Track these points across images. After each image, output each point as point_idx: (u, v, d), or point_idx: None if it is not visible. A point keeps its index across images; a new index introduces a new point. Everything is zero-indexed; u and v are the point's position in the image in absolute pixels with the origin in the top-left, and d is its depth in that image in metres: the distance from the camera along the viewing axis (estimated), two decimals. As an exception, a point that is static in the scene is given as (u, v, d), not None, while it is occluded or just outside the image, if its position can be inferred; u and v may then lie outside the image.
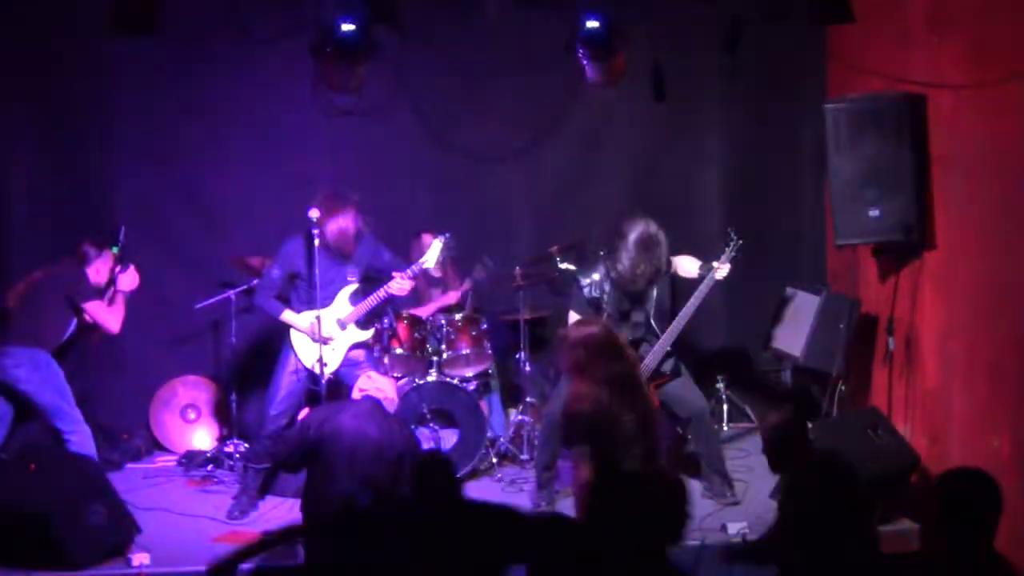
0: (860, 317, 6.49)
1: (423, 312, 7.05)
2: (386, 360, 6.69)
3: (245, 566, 4.94)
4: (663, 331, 5.98)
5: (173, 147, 7.38)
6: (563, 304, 6.45)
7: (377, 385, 5.33)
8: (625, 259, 5.82)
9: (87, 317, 6.05)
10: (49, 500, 5.20)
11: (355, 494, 4.69)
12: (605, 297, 6.00)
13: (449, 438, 6.56)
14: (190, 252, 7.38)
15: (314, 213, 5.94)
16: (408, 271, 6.22)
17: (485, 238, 7.46)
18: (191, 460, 6.98)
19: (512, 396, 7.32)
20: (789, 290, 6.92)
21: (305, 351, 6.11)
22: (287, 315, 6.12)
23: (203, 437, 7.36)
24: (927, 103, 5.90)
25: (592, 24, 6.70)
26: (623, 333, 5.97)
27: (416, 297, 7.11)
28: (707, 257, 6.09)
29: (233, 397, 6.99)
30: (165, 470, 6.97)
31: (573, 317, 5.96)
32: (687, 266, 6.13)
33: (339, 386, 6.29)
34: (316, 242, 5.93)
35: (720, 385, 7.51)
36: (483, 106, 7.59)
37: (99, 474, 5.67)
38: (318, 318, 5.99)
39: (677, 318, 5.99)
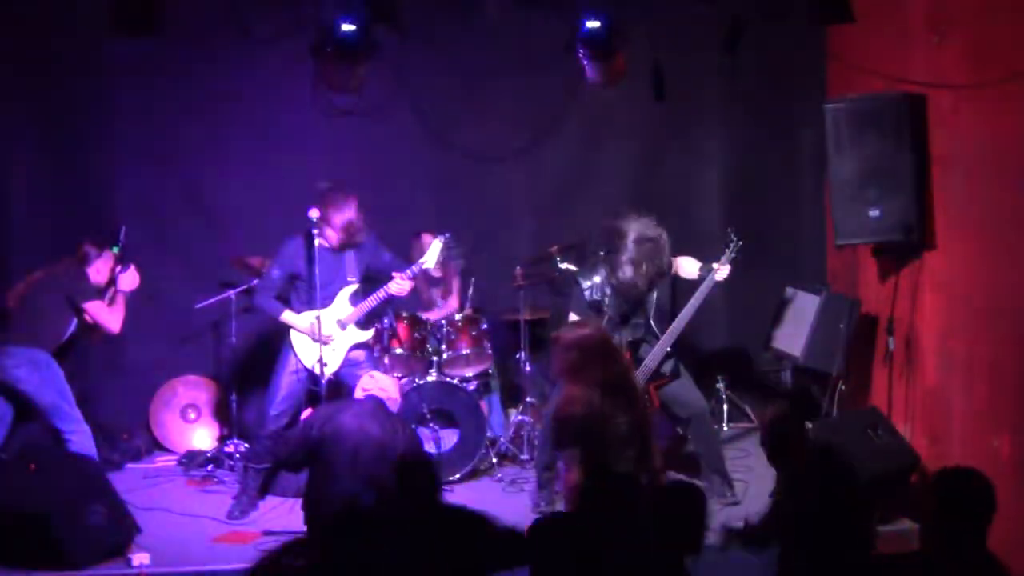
0: (860, 317, 6.49)
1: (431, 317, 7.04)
2: (386, 360, 6.69)
3: (245, 566, 4.94)
4: (663, 332, 5.98)
5: (173, 147, 7.38)
6: (563, 305, 6.45)
7: (380, 385, 5.33)
8: (627, 266, 5.79)
9: (87, 317, 6.05)
10: (49, 500, 5.20)
11: (358, 494, 4.68)
12: (606, 300, 5.99)
13: (449, 438, 6.57)
14: (190, 252, 7.37)
15: (314, 213, 5.94)
16: (408, 271, 6.22)
17: (485, 238, 7.47)
18: (191, 460, 6.98)
19: (512, 396, 7.32)
20: (789, 290, 6.92)
21: (305, 351, 6.11)
22: (287, 316, 6.12)
23: (203, 437, 7.36)
24: (927, 103, 5.90)
25: (592, 24, 6.71)
26: (624, 334, 5.99)
27: (416, 297, 7.11)
28: (707, 258, 6.09)
29: (233, 397, 6.99)
30: (165, 470, 6.97)
31: (573, 318, 5.96)
32: (687, 267, 6.13)
33: (339, 386, 6.28)
34: (316, 242, 5.93)
35: (720, 385, 7.52)
36: (483, 106, 7.59)
37: (99, 474, 5.67)
38: (318, 318, 5.99)
39: (677, 319, 5.99)
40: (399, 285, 6.16)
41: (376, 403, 5.21)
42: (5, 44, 7.01)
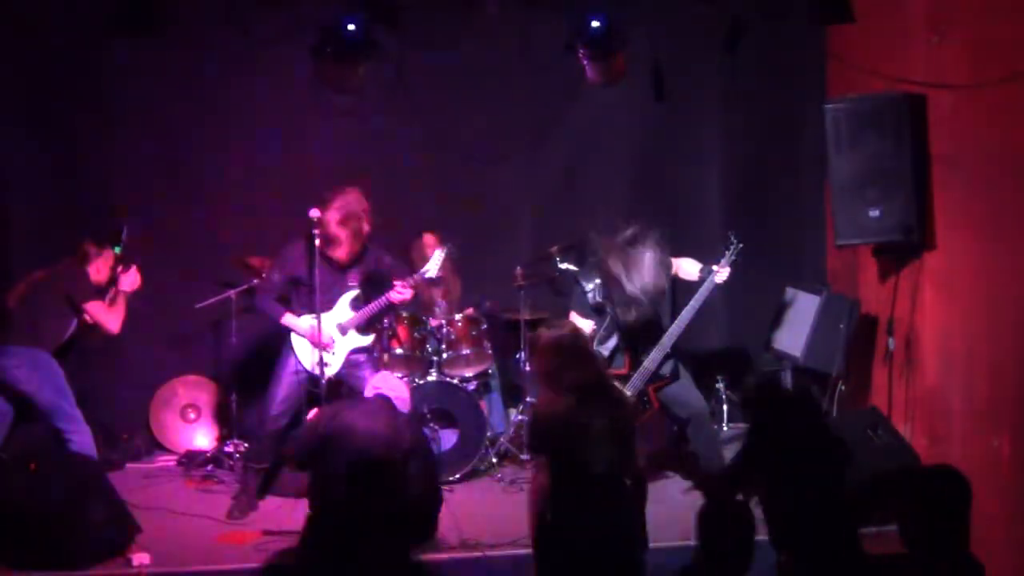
0: (860, 317, 6.49)
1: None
2: (386, 360, 6.69)
3: (245, 566, 4.94)
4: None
5: (173, 147, 7.38)
6: (563, 304, 6.45)
7: (391, 384, 5.35)
8: (632, 308, 5.84)
9: (87, 317, 6.05)
10: (49, 500, 5.19)
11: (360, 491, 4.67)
12: (608, 303, 6.00)
13: (449, 438, 6.57)
14: (190, 252, 7.37)
15: (314, 213, 5.93)
16: (410, 280, 6.19)
17: (485, 238, 7.46)
18: (191, 460, 6.98)
19: (512, 396, 7.32)
20: (789, 290, 6.92)
21: (306, 352, 6.10)
22: (288, 318, 6.11)
23: (203, 437, 7.36)
24: (927, 103, 5.91)
25: (592, 24, 6.70)
26: (624, 335, 5.98)
27: (417, 300, 7.10)
28: (707, 259, 6.09)
29: (233, 397, 6.98)
30: (165, 470, 6.97)
31: (574, 318, 5.97)
32: (687, 268, 6.13)
33: (339, 388, 6.28)
34: (317, 243, 5.90)
35: (720, 385, 7.51)
36: (483, 106, 7.59)
37: (99, 474, 5.66)
38: (318, 322, 5.97)
39: (676, 321, 5.99)
40: (400, 294, 6.15)
41: (384, 402, 5.22)
42: (5, 44, 7.01)
